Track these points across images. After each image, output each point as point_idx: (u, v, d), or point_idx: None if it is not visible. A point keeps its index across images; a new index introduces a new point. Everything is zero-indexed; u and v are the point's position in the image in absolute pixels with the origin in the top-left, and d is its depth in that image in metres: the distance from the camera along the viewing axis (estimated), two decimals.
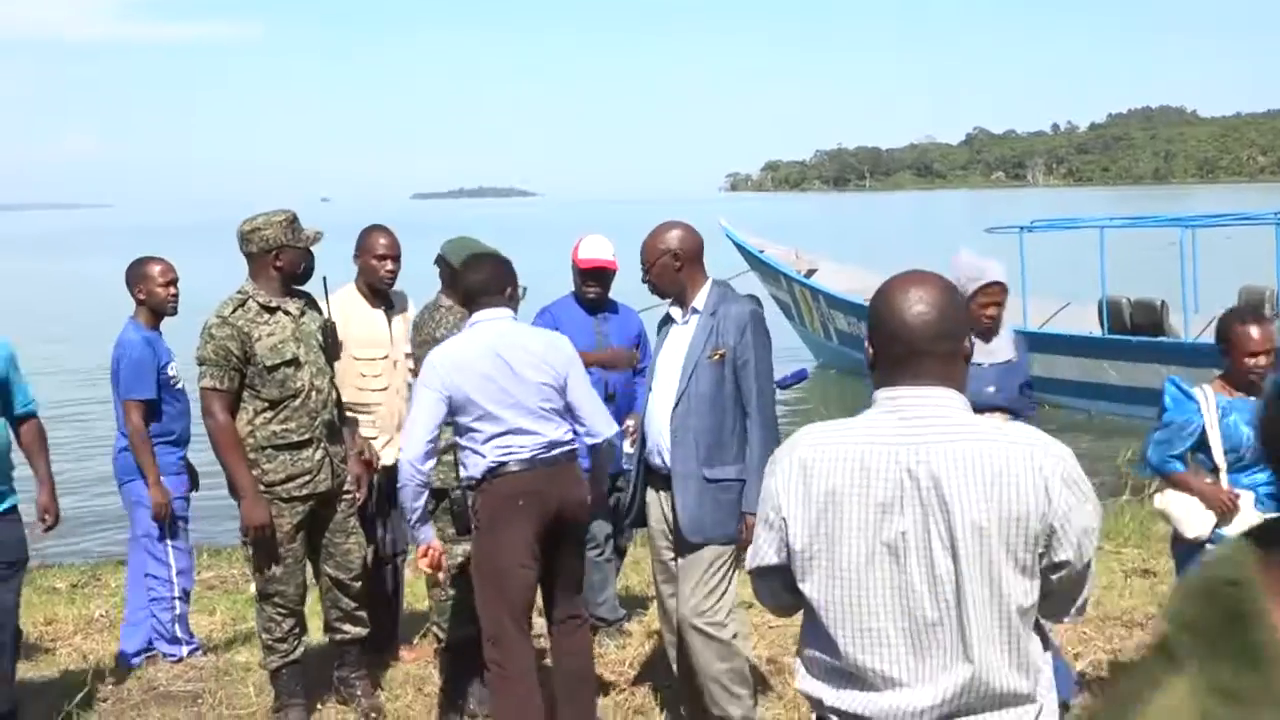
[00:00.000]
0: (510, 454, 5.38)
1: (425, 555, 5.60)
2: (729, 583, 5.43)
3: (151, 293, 7.13)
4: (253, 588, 9.10)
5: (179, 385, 7.17)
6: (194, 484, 7.36)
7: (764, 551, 2.86)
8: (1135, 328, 17.42)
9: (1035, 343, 18.37)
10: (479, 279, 5.53)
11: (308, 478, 6.06)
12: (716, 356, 5.36)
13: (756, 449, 5.29)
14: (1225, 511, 5.55)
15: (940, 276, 2.86)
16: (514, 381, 5.36)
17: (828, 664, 2.77)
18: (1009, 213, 21.30)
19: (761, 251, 23.54)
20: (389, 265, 6.91)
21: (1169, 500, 5.81)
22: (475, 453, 5.40)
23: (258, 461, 6.00)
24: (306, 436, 6.05)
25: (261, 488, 5.96)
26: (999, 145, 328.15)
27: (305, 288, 6.30)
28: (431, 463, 5.40)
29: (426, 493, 5.43)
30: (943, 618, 2.65)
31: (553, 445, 5.45)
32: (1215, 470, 5.60)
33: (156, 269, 7.18)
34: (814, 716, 2.91)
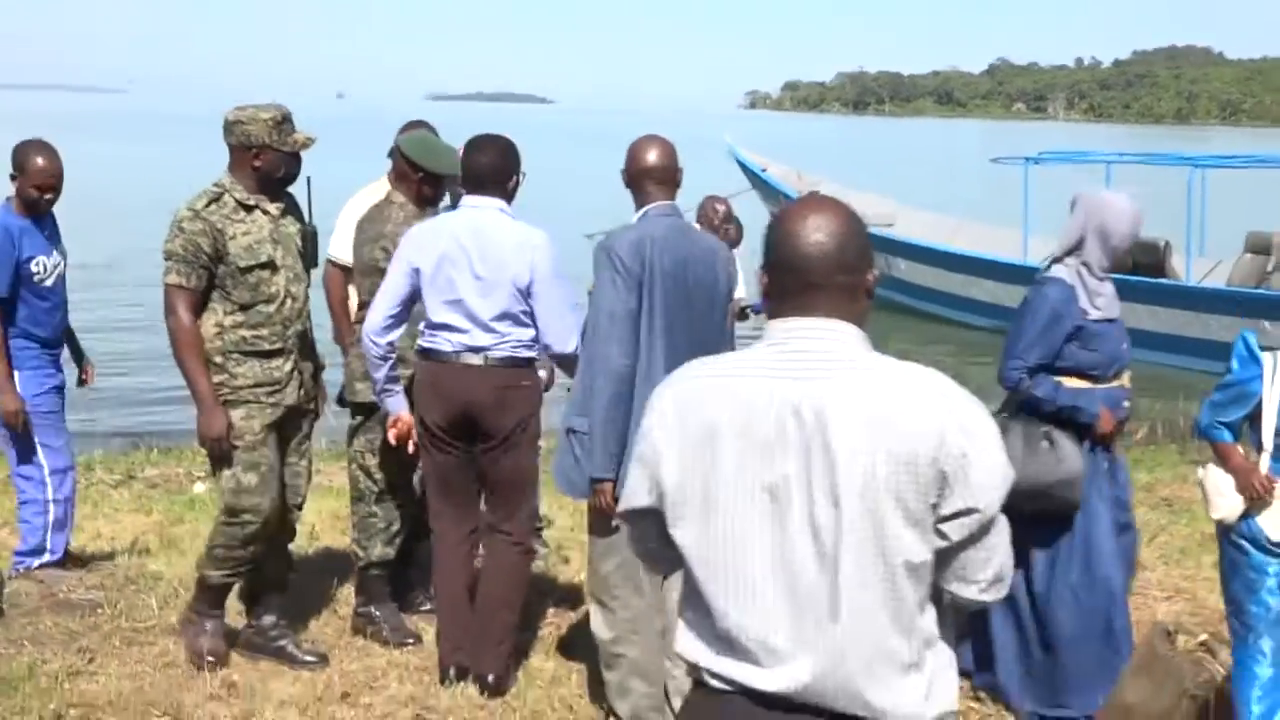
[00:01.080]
0: (434, 344, 5.50)
1: (394, 426, 5.82)
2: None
3: (23, 188, 6.65)
4: (197, 487, 8.87)
5: (46, 281, 6.68)
6: (84, 377, 7.04)
7: (635, 491, 2.66)
8: (1136, 267, 17.00)
9: (1030, 278, 17.97)
10: (483, 161, 5.52)
11: (275, 388, 5.68)
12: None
13: (577, 396, 5.07)
14: (1255, 498, 4.95)
15: (841, 204, 2.63)
16: (464, 274, 5.39)
17: (705, 624, 2.56)
18: (1027, 144, 20.96)
19: (764, 170, 23.12)
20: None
21: (1208, 473, 5.18)
22: (421, 331, 5.57)
23: (225, 365, 5.61)
24: (278, 346, 5.67)
25: (227, 391, 5.58)
26: (1021, 77, 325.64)
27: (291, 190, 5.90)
28: (394, 334, 5.56)
29: (388, 364, 5.63)
30: (822, 572, 2.44)
31: (479, 350, 5.45)
32: (1260, 449, 5.00)
33: (36, 164, 6.65)
34: (691, 682, 2.66)
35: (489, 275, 5.38)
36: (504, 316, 5.43)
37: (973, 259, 18.87)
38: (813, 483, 2.44)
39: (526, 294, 5.41)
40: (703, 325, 4.95)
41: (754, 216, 23.15)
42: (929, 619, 2.51)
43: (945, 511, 2.45)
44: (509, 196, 5.58)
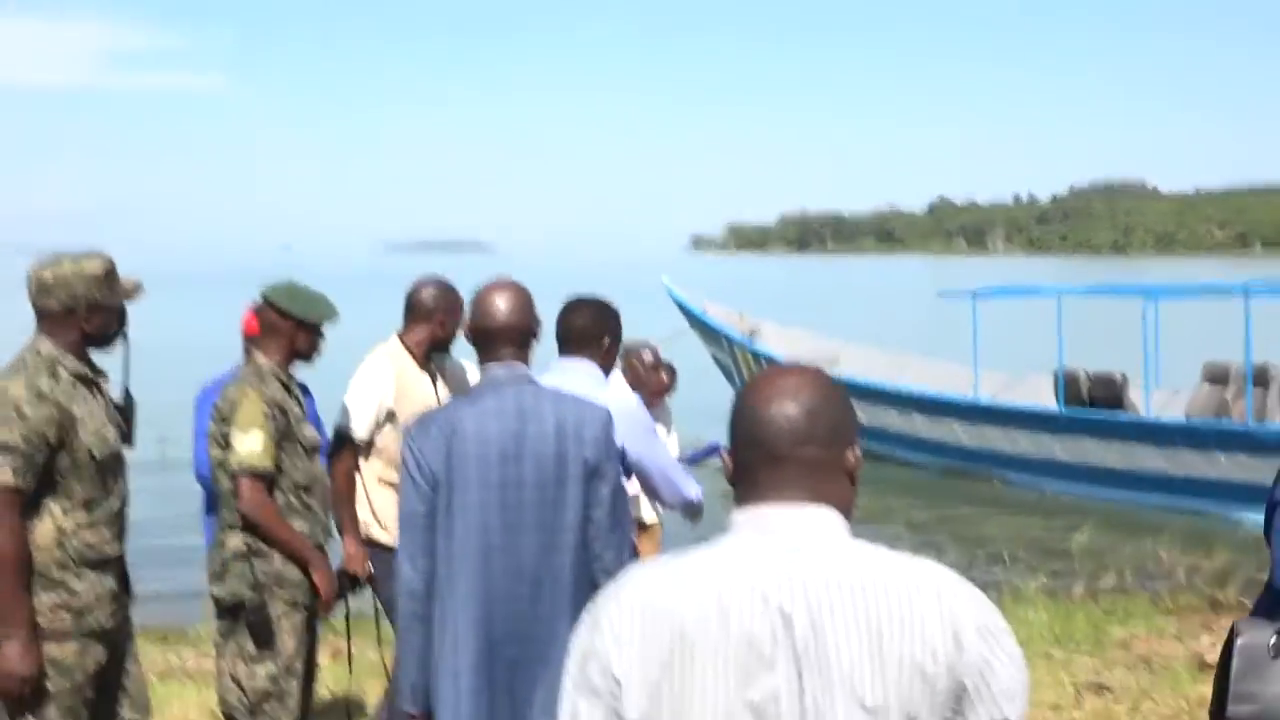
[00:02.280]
0: None
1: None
2: None
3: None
4: None
5: None
6: None
7: None
8: (1093, 402, 16.36)
9: (984, 416, 17.51)
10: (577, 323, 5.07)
11: (113, 605, 4.63)
12: None
13: None
14: None
15: (815, 371, 2.35)
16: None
17: None
18: (968, 279, 20.60)
19: (704, 311, 22.45)
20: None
21: None
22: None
23: (64, 581, 4.51)
24: (115, 553, 4.64)
25: (67, 616, 4.50)
26: (961, 214, 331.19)
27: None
28: None
29: None
30: None
31: None
32: None
33: None
34: None
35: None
36: None
37: (923, 397, 18.19)
38: (807, 701, 2.11)
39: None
40: (544, 519, 4.04)
41: (696, 360, 22.55)
42: None
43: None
44: (604, 359, 5.10)
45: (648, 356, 8.27)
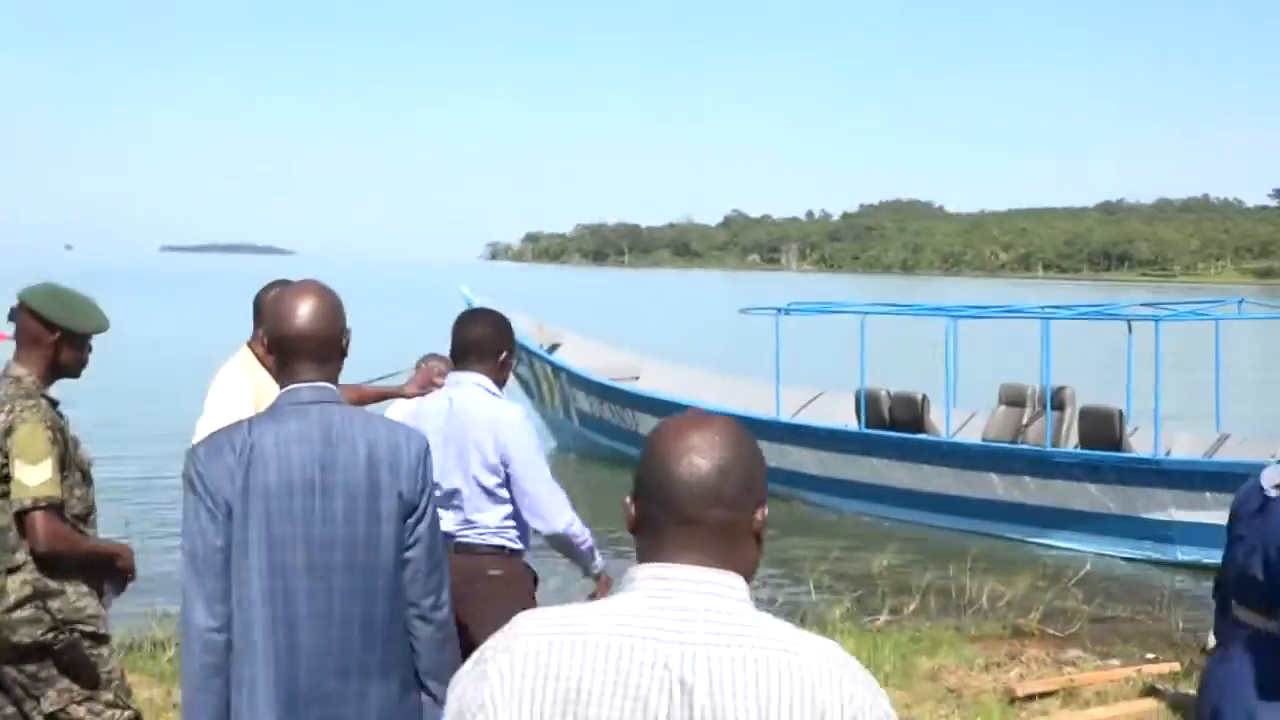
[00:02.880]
0: None
1: None
2: None
3: None
4: None
5: None
6: None
7: None
8: (894, 422, 16.29)
9: (786, 435, 17.33)
10: (473, 334, 5.30)
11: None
12: None
13: None
14: None
15: (729, 423, 2.23)
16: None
17: None
18: (764, 293, 20.53)
19: None
20: None
21: None
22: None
23: (63, 590, 4.77)
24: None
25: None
26: (755, 229, 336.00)
27: None
28: None
29: None
30: None
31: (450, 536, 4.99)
32: None
33: None
34: None
35: (453, 457, 5.10)
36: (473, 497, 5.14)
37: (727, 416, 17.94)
38: None
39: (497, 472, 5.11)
40: (354, 560, 3.50)
41: None
42: None
43: None
44: (498, 371, 5.30)
45: (443, 367, 7.79)
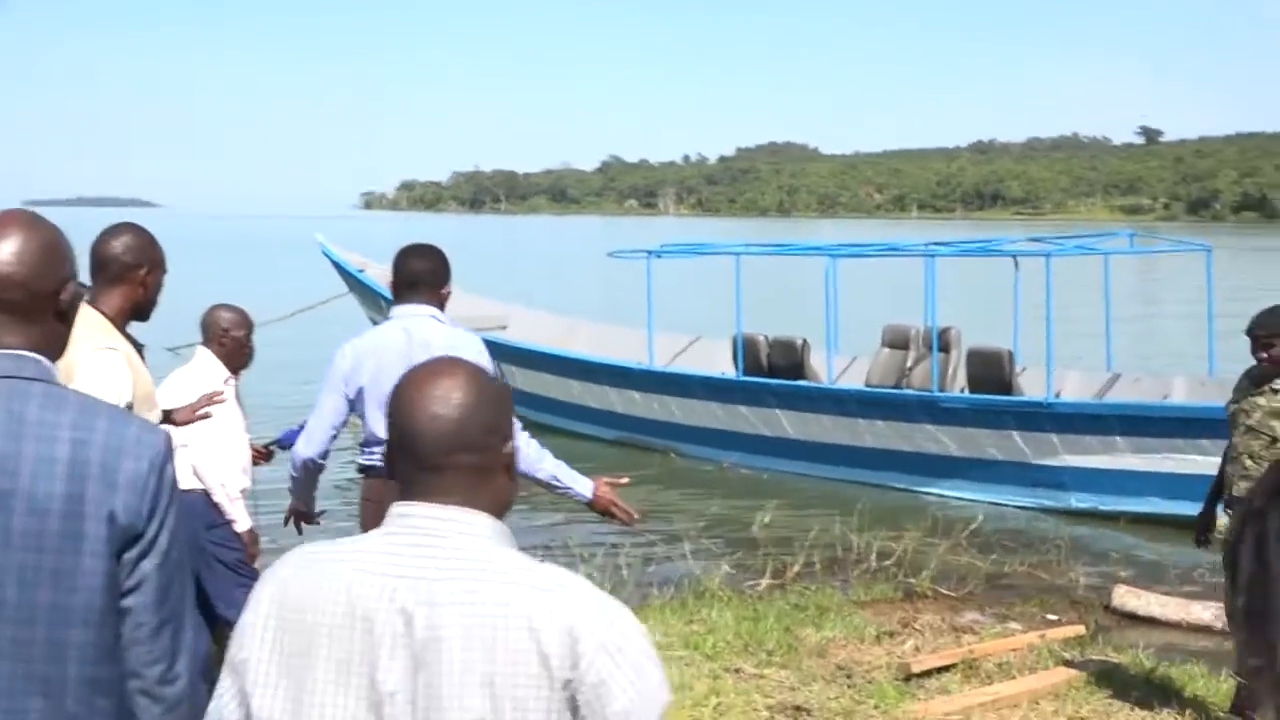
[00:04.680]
0: (376, 461, 5.43)
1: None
2: None
3: None
4: None
5: None
6: None
7: (223, 707, 2.23)
8: (773, 369, 15.45)
9: (659, 384, 16.43)
10: (418, 267, 5.46)
11: None
12: None
13: None
14: None
15: (468, 367, 2.26)
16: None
17: None
18: (641, 238, 19.67)
19: (361, 271, 20.78)
20: None
21: None
22: (361, 448, 5.65)
23: None
24: None
25: None
26: (632, 174, 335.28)
27: None
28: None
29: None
30: None
31: None
32: None
33: None
34: None
35: None
36: None
37: (594, 364, 16.98)
38: (419, 704, 2.10)
39: None
40: (34, 603, 2.45)
41: (355, 325, 20.94)
42: None
43: None
44: (442, 303, 5.44)
45: (229, 317, 6.82)
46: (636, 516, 5.79)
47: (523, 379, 17.25)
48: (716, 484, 14.71)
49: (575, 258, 70.69)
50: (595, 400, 16.78)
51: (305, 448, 5.63)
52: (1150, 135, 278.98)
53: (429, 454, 2.19)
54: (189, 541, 2.85)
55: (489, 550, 2.17)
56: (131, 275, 4.64)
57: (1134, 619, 9.66)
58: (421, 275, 5.42)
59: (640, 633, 2.15)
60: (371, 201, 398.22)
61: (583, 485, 5.49)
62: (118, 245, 4.65)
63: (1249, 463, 6.76)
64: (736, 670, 7.74)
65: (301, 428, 6.04)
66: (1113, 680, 7.64)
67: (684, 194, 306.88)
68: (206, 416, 5.45)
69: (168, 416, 5.34)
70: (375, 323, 21.12)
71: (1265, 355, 6.72)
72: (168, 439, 2.62)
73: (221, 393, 5.75)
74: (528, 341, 18.11)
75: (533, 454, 5.34)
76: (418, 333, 5.32)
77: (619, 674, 2.09)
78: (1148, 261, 50.88)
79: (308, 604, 2.17)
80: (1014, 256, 14.97)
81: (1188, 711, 7.09)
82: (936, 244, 15.81)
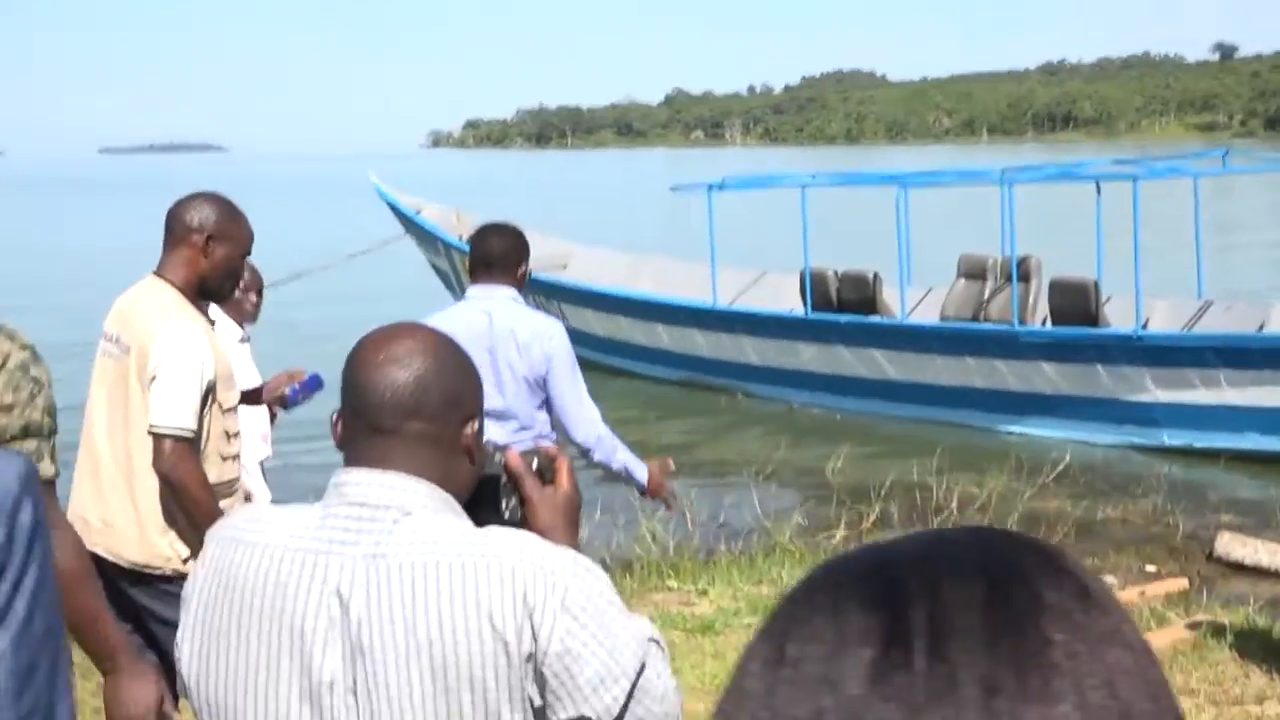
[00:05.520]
0: None
1: None
2: None
3: None
4: None
5: None
6: None
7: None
8: (843, 305, 14.74)
9: (724, 322, 15.79)
10: (496, 246, 5.32)
11: None
12: None
13: None
14: None
15: (438, 335, 2.14)
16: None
17: None
18: (707, 170, 19.07)
19: (418, 213, 20.22)
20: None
21: None
22: None
23: None
24: None
25: None
26: (697, 105, 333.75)
27: None
28: None
29: None
30: None
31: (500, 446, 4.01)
32: None
33: None
34: None
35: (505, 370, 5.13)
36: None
37: (656, 304, 16.35)
38: (367, 692, 1.90)
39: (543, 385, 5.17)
40: None
41: (412, 268, 20.39)
42: None
43: (562, 717, 1.92)
44: (519, 283, 5.34)
45: (250, 281, 6.32)
46: (674, 504, 6.06)
47: (583, 319, 16.68)
48: (786, 426, 14.08)
49: (641, 192, 69.87)
50: (658, 340, 16.18)
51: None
52: (1225, 51, 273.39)
53: (381, 415, 2.03)
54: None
55: (432, 521, 1.99)
56: (191, 239, 4.42)
57: (1241, 569, 8.95)
58: (499, 255, 5.31)
59: (602, 587, 1.97)
60: (439, 140, 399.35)
61: (640, 472, 5.51)
62: (185, 207, 4.50)
63: None
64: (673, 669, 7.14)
65: (309, 383, 5.57)
66: (1223, 643, 6.96)
67: (750, 124, 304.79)
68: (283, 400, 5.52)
69: (246, 397, 5.09)
70: (435, 267, 20.83)
71: None
72: (28, 470, 2.05)
73: (301, 370, 5.58)
74: (589, 281, 17.51)
75: (609, 444, 5.36)
76: (500, 317, 5.20)
77: (585, 636, 1.91)
78: (1226, 182, 49.53)
79: (236, 583, 2.00)
80: (1096, 181, 14.13)
81: None
82: (1013, 169, 14.99)
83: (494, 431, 5.08)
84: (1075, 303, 13.09)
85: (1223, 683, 6.46)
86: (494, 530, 2.01)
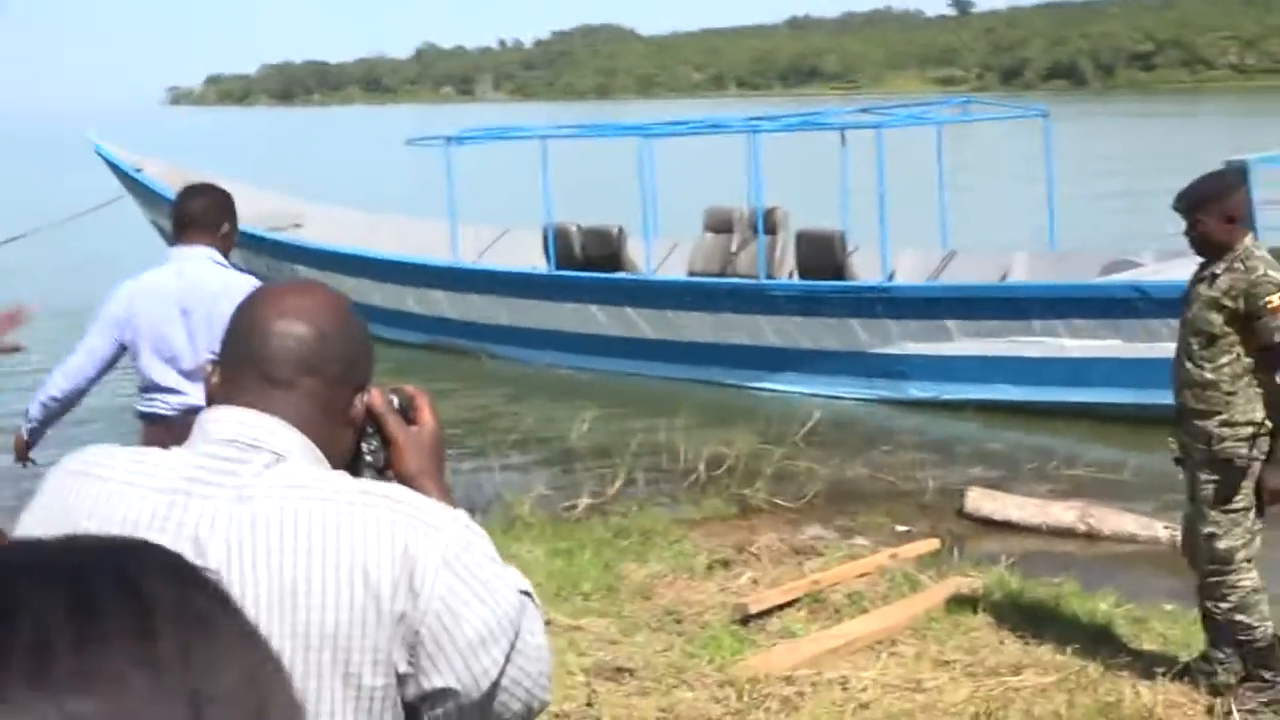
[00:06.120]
0: (153, 408, 5.40)
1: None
2: None
3: None
4: None
5: None
6: None
7: None
8: (588, 261, 14.26)
9: (466, 280, 15.16)
10: (195, 206, 5.36)
11: None
12: None
13: None
14: None
15: (340, 297, 2.03)
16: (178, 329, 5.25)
17: None
18: (456, 125, 18.34)
19: (139, 170, 19.06)
20: None
21: None
22: (140, 394, 5.54)
23: None
24: None
25: None
26: (447, 60, 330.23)
27: None
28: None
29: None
30: None
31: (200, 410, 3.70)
32: None
33: None
34: None
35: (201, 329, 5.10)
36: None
37: (393, 263, 15.63)
38: None
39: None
40: None
41: (136, 228, 19.21)
42: None
43: (422, 689, 1.79)
44: (221, 244, 5.32)
45: None
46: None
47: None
48: (532, 389, 13.57)
49: (385, 149, 68.56)
50: (397, 302, 15.47)
51: (57, 382, 5.45)
52: (962, 7, 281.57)
53: (278, 365, 1.93)
54: None
55: (307, 470, 1.87)
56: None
57: (990, 524, 8.76)
58: (198, 214, 5.33)
59: (484, 544, 1.88)
60: (179, 97, 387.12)
61: None
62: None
63: (1188, 365, 5.58)
64: (549, 622, 6.61)
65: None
66: (977, 607, 6.71)
67: (501, 79, 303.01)
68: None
69: None
70: (157, 226, 19.69)
71: (1189, 234, 5.61)
72: None
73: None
74: (323, 241, 16.68)
75: None
76: (190, 274, 5.23)
77: (467, 594, 1.79)
78: (969, 132, 50.64)
79: (79, 522, 1.84)
80: (841, 130, 13.90)
81: (1068, 644, 6.17)
82: (759, 119, 14.69)
83: (189, 391, 5.19)
84: (822, 255, 12.85)
85: (978, 651, 6.19)
86: (372, 482, 1.91)
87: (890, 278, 13.00)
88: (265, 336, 1.93)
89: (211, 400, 1.95)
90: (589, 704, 5.66)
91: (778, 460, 9.93)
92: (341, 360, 1.96)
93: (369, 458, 2.08)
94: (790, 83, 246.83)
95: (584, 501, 9.22)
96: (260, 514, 1.80)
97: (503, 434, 11.19)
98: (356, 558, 1.76)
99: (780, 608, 6.79)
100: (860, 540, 8.29)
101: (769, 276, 13.06)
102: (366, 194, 24.95)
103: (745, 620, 6.60)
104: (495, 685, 1.82)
